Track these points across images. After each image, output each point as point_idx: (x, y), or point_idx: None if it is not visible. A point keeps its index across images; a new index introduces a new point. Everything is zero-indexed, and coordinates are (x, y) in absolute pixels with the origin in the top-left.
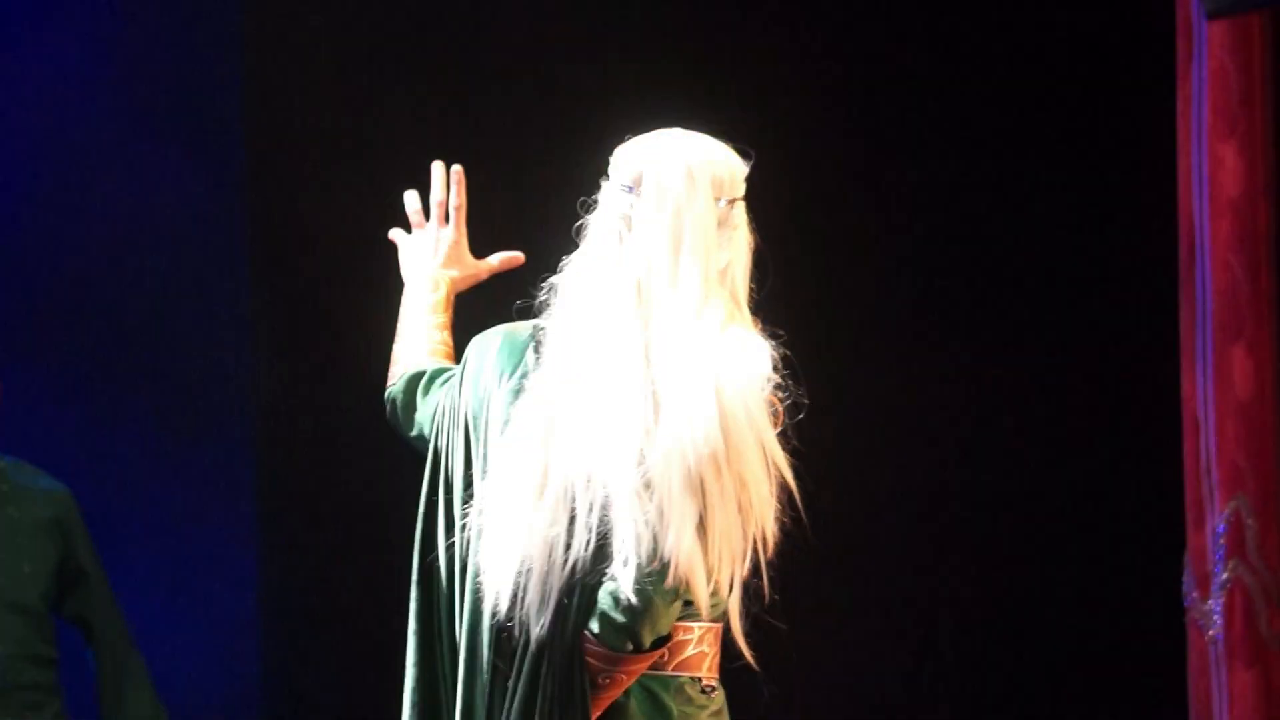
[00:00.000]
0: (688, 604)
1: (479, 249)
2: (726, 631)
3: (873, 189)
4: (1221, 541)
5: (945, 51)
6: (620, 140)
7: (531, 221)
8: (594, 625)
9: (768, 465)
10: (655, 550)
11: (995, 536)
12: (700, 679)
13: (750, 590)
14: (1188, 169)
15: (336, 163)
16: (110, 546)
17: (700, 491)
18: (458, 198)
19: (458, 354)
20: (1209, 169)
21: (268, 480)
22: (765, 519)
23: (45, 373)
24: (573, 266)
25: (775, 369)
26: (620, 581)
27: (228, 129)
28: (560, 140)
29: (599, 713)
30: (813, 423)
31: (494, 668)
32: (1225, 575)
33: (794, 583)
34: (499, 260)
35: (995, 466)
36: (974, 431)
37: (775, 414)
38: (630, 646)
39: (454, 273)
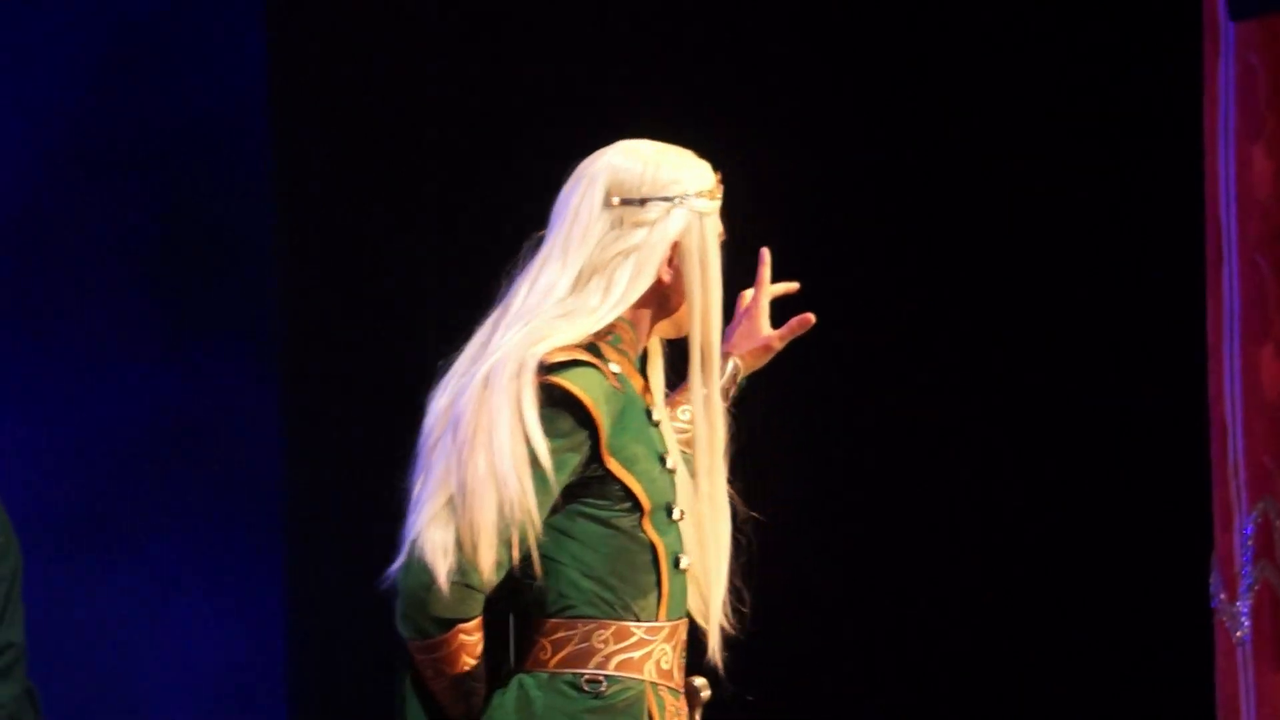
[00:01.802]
0: (581, 595)
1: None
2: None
3: (888, 188)
4: (1249, 543)
5: (967, 51)
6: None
7: None
8: None
9: (526, 453)
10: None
11: (1020, 538)
12: (583, 675)
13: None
14: (1215, 169)
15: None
16: (136, 547)
17: (451, 473)
18: (758, 276)
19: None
20: (1236, 170)
21: (295, 484)
22: (524, 506)
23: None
24: None
25: (560, 357)
26: None
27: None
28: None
29: (457, 704)
30: (830, 422)
31: None
32: (1253, 577)
33: (803, 582)
34: (786, 326)
35: (1019, 468)
36: (997, 432)
37: (563, 399)
38: (411, 633)
39: (739, 353)
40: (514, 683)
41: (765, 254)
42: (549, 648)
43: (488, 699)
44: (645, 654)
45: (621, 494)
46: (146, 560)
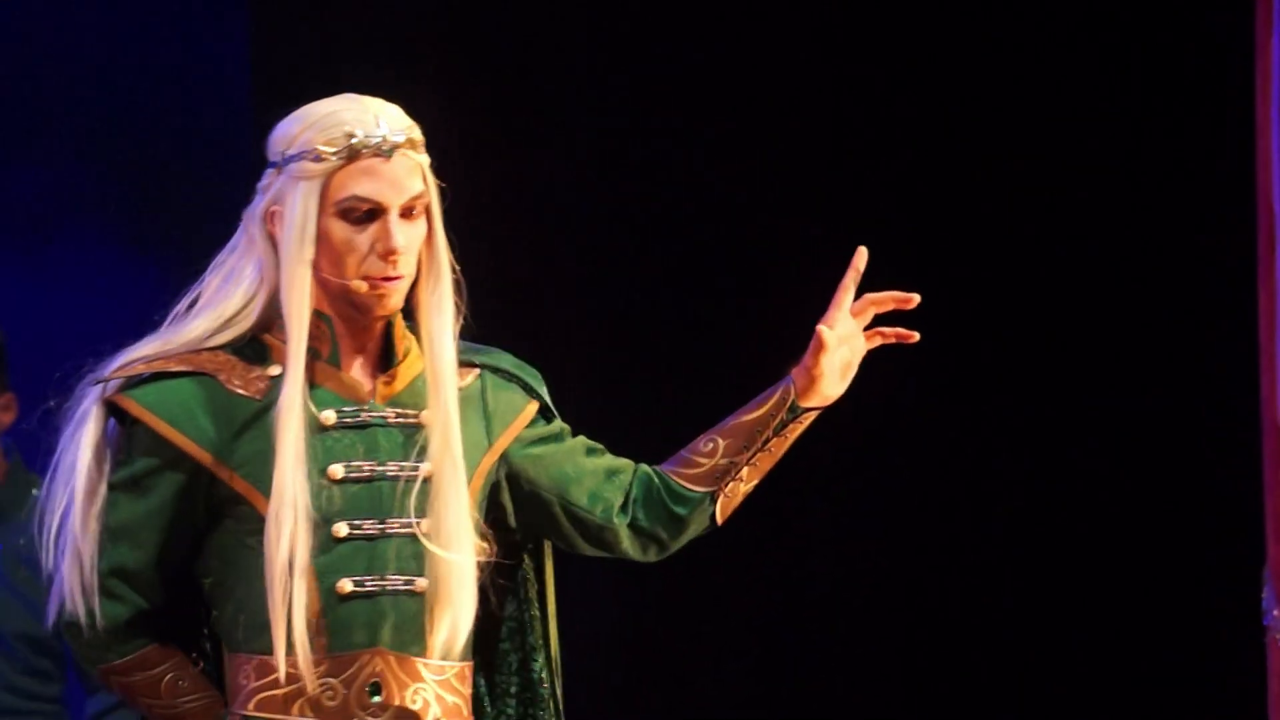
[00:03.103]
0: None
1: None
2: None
3: (935, 175)
4: None
5: (1000, 34)
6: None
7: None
8: None
9: (80, 488)
10: None
11: (1064, 550)
12: (228, 714)
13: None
14: (1267, 151)
15: None
16: None
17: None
18: (842, 280)
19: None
20: None
21: None
22: (84, 547)
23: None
24: None
25: (138, 370)
26: None
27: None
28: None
29: None
30: (879, 424)
31: None
32: None
33: (835, 590)
34: (809, 350)
35: (1062, 476)
36: (1040, 438)
37: (128, 419)
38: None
39: (797, 371)
40: None
41: (860, 255)
42: (226, 684)
43: None
44: (292, 691)
45: (251, 513)
46: None
